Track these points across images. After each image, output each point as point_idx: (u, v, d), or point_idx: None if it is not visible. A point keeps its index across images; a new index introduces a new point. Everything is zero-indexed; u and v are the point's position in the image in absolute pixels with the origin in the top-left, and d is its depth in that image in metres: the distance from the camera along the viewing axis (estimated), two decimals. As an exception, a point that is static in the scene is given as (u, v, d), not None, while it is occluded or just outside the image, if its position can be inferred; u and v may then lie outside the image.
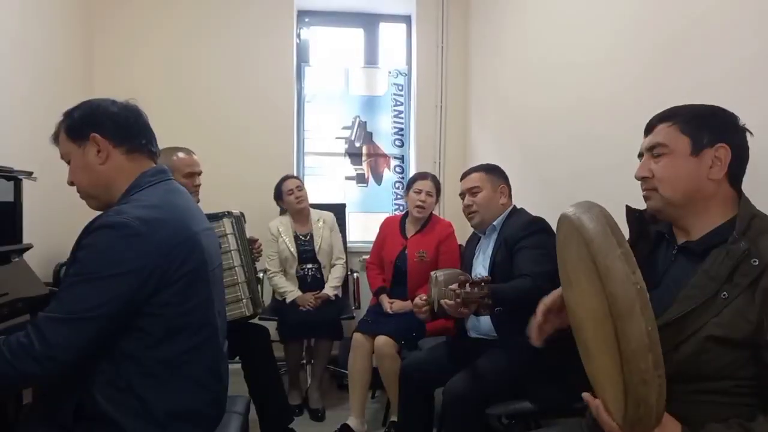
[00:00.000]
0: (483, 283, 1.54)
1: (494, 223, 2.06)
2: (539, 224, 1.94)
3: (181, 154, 2.25)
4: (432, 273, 2.03)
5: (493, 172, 2.11)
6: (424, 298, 2.06)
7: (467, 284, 1.55)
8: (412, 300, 2.62)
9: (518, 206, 2.13)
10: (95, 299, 1.09)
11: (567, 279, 1.08)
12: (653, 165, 1.08)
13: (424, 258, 2.68)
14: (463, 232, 3.55)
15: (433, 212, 2.85)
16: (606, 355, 0.86)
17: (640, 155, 1.14)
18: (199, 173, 2.31)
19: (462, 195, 2.13)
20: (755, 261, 0.92)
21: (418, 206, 2.71)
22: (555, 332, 1.19)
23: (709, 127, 1.04)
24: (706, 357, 0.95)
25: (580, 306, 1.00)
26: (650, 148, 1.10)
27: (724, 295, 0.94)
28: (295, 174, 3.32)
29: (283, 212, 3.16)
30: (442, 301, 1.73)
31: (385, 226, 2.94)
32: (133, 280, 1.11)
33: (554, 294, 1.18)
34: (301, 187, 3.04)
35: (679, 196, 1.04)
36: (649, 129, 1.12)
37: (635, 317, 0.76)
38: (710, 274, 0.96)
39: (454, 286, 1.62)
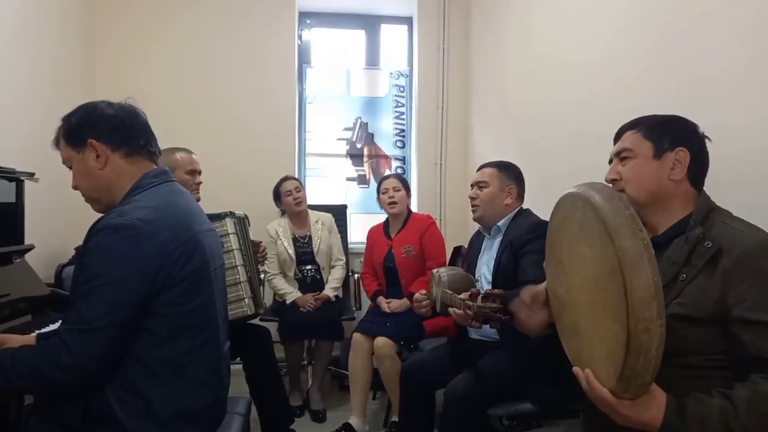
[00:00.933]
0: (496, 297, 1.48)
1: (499, 224, 2.04)
2: (544, 228, 1.92)
3: (182, 153, 2.28)
4: (434, 271, 2.03)
5: (506, 171, 2.09)
6: (425, 293, 2.05)
7: (479, 297, 1.50)
8: (408, 295, 2.64)
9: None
10: (109, 305, 1.10)
11: (558, 262, 1.13)
12: (620, 168, 1.19)
13: (411, 252, 2.74)
14: (464, 230, 3.55)
15: (411, 209, 2.91)
16: (604, 317, 0.91)
17: (610, 161, 1.24)
18: (200, 172, 2.33)
19: (472, 186, 2.13)
20: (708, 243, 1.02)
21: (390, 203, 2.79)
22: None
23: (669, 132, 1.14)
24: (672, 335, 1.00)
25: (573, 282, 1.06)
26: (618, 153, 1.20)
27: (682, 276, 1.04)
28: (295, 175, 3.32)
29: (282, 214, 3.17)
30: (450, 310, 1.70)
31: (371, 234, 3.02)
32: (141, 281, 1.13)
33: (541, 287, 1.24)
34: (299, 189, 3.04)
35: (643, 195, 1.15)
36: (617, 137, 1.23)
37: (643, 267, 0.83)
38: (672, 259, 1.06)
39: (465, 295, 1.58)
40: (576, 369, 1.01)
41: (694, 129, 1.16)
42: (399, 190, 2.80)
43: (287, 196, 3.00)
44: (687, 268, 1.04)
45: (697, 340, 1.01)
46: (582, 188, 0.99)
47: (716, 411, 0.90)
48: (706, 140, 1.16)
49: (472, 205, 2.10)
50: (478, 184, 2.08)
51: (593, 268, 0.95)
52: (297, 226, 3.08)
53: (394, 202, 2.79)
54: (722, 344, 1.00)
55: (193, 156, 2.33)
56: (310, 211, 3.14)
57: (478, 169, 2.15)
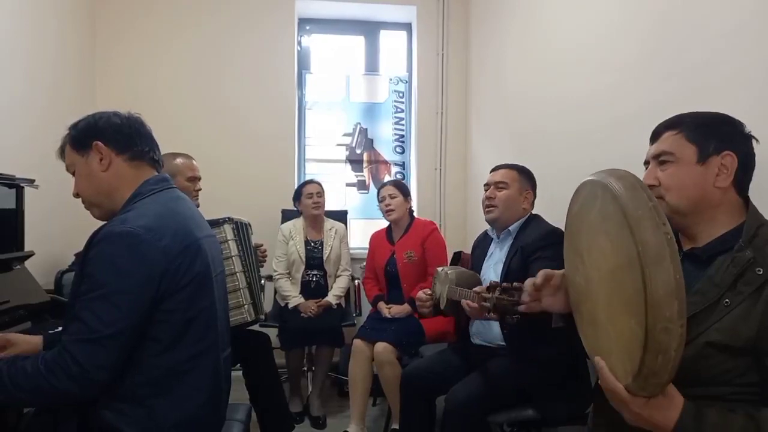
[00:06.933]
0: (515, 291, 1.42)
1: (510, 228, 2.02)
2: (557, 235, 1.91)
3: (182, 159, 2.28)
4: (438, 269, 2.02)
5: (525, 175, 2.08)
6: (429, 292, 2.05)
7: (497, 289, 1.45)
8: (409, 301, 2.64)
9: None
10: (115, 314, 1.09)
11: (576, 251, 1.08)
12: (659, 173, 1.08)
13: (413, 258, 2.76)
14: (464, 236, 3.55)
15: (416, 216, 2.95)
16: (621, 311, 0.86)
17: (646, 163, 1.14)
18: (199, 178, 2.34)
19: (486, 186, 2.08)
20: (760, 270, 0.93)
21: (387, 211, 2.83)
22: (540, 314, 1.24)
23: (715, 135, 1.04)
24: (705, 362, 0.95)
25: (592, 272, 1.00)
26: (656, 156, 1.09)
27: (726, 302, 0.95)
28: (294, 180, 3.34)
29: (296, 215, 3.19)
30: (463, 302, 1.65)
31: (373, 240, 3.03)
32: (146, 288, 1.12)
33: (558, 272, 1.20)
34: (321, 194, 3.09)
35: (685, 204, 1.05)
36: (655, 137, 1.12)
37: (665, 263, 0.77)
38: (714, 280, 0.97)
39: (479, 288, 1.56)
40: (597, 359, 0.96)
41: (741, 129, 1.06)
42: (395, 197, 2.82)
43: (308, 198, 3.05)
44: (731, 293, 0.95)
45: (730, 370, 0.94)
46: (602, 175, 0.92)
47: (737, 428, 0.86)
48: (754, 141, 1.06)
49: (489, 206, 2.04)
50: (496, 185, 2.04)
51: (612, 259, 0.90)
52: (312, 229, 3.12)
53: (392, 210, 2.81)
54: (753, 376, 0.94)
55: (194, 162, 2.33)
56: (326, 219, 3.18)
57: (494, 170, 2.11)
